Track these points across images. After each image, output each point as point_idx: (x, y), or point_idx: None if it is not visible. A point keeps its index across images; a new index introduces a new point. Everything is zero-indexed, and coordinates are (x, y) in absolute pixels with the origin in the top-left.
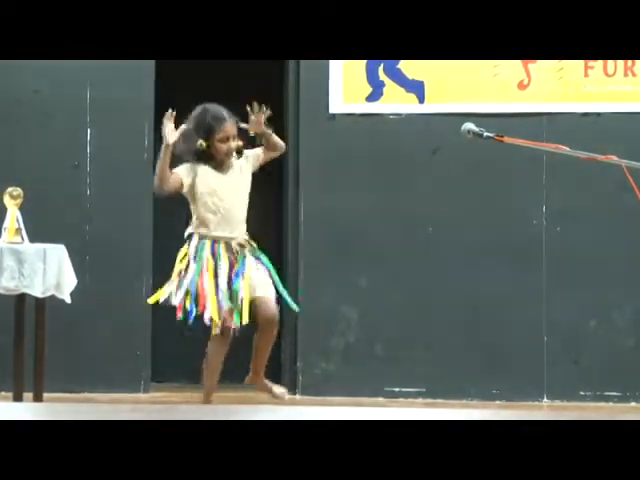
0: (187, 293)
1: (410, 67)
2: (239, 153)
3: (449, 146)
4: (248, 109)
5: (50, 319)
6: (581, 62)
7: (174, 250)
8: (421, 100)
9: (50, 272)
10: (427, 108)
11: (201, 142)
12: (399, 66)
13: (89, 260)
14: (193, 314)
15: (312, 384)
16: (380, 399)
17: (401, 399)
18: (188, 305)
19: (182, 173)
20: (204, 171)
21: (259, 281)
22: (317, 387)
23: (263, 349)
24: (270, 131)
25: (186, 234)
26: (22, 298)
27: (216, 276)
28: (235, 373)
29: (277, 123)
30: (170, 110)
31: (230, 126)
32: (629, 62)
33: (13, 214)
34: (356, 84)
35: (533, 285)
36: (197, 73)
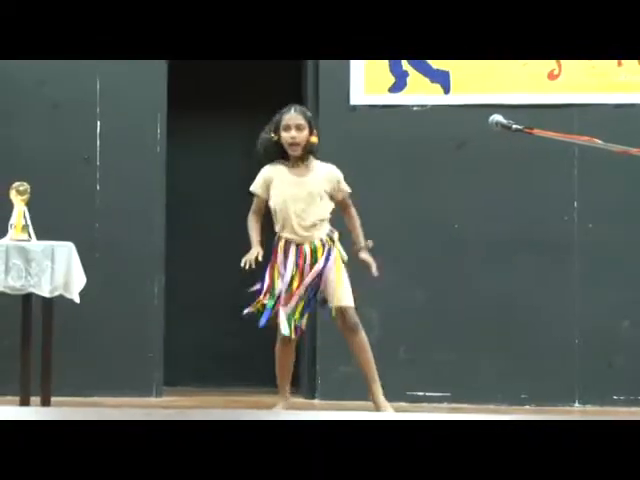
0: (270, 293)
1: None
2: (309, 151)
3: (476, 139)
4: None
5: (58, 320)
6: None
7: (187, 248)
8: (447, 91)
9: (58, 271)
10: (453, 99)
11: (272, 135)
12: None
13: (99, 258)
14: (268, 315)
15: (331, 388)
16: (403, 404)
17: (425, 404)
18: (267, 304)
19: (255, 190)
20: (279, 173)
21: (332, 290)
22: (336, 391)
23: (357, 359)
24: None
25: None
26: (29, 298)
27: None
28: (246, 376)
29: None
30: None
31: (293, 115)
32: None
33: (20, 210)
34: (378, 74)
35: (564, 285)
36: (212, 63)
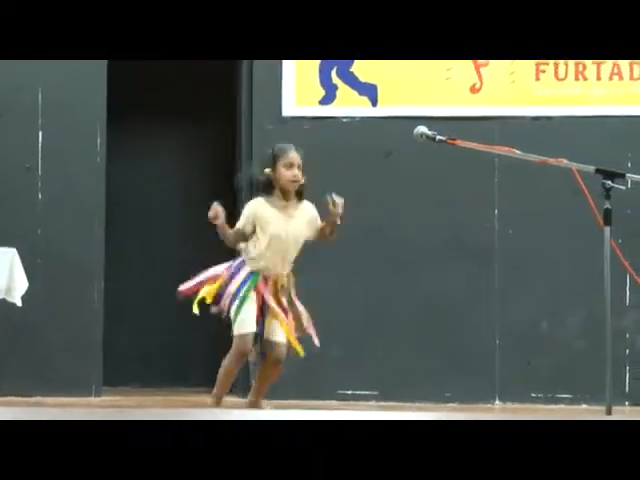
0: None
1: (363, 70)
2: (300, 194)
3: (402, 149)
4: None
5: (0, 323)
6: (532, 66)
7: (126, 254)
8: (374, 103)
9: (1, 275)
10: (380, 111)
11: (267, 170)
12: (352, 69)
13: (41, 263)
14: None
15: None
16: (333, 402)
17: (353, 402)
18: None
19: (242, 226)
20: (268, 212)
21: (282, 326)
22: (270, 391)
23: (265, 383)
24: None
25: (240, 259)
26: None
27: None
28: (184, 377)
29: (229, 126)
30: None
31: (294, 154)
32: (580, 66)
33: None
34: (309, 87)
35: (486, 287)
36: (149, 74)
